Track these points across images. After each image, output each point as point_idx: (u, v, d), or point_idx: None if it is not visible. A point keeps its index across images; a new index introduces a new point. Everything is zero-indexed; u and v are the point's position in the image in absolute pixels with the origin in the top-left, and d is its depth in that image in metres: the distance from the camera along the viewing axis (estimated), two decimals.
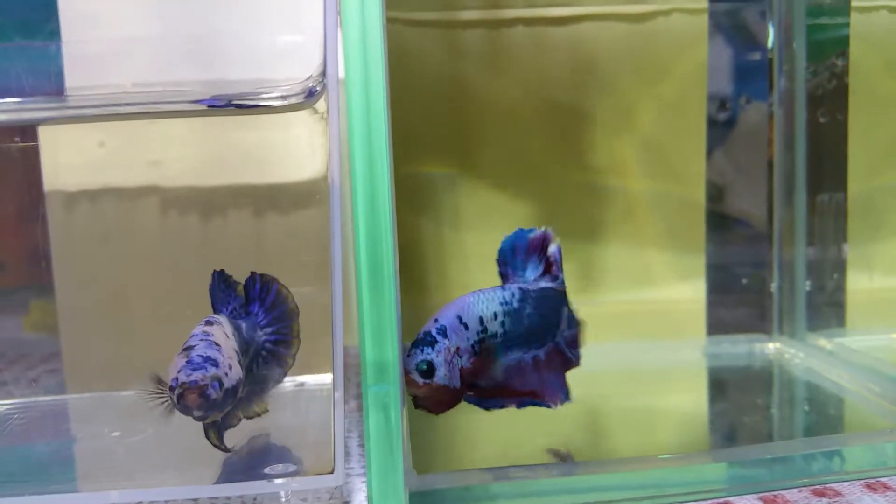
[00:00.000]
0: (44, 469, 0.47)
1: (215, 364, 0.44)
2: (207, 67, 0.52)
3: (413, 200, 0.66)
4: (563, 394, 0.46)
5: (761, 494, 0.45)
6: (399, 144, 0.45)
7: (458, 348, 0.43)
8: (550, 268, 0.47)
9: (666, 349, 0.69)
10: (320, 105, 0.49)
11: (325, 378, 0.55)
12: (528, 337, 0.45)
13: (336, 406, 0.44)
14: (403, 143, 0.64)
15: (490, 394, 0.45)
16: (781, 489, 0.45)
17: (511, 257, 0.46)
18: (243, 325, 0.49)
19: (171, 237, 0.56)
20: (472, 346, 0.43)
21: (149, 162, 0.55)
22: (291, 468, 0.45)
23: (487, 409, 0.46)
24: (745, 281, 0.70)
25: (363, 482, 0.48)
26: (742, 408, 0.58)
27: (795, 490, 0.45)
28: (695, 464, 0.47)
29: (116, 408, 0.54)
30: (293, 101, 0.48)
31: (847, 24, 0.67)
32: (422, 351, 0.43)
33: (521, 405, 0.46)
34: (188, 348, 0.44)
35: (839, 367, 0.62)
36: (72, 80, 0.52)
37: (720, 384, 0.65)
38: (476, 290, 0.46)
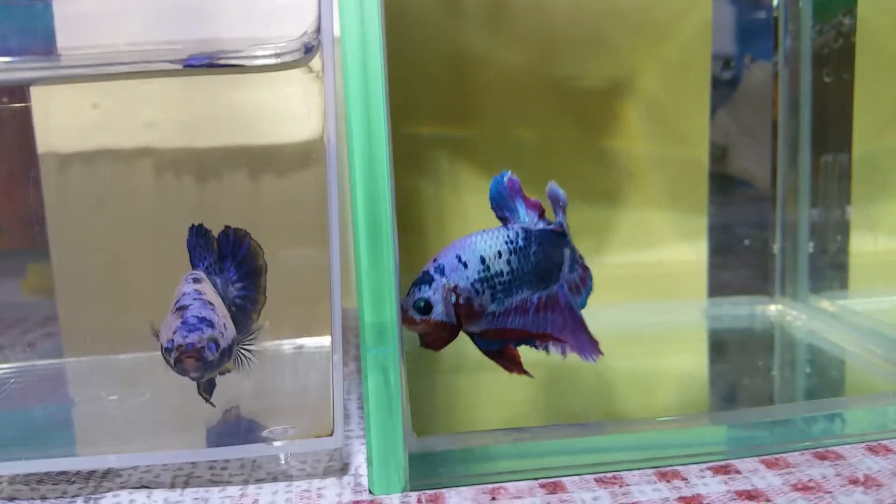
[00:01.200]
0: (42, 433, 0.47)
1: (211, 325, 0.43)
2: (203, 25, 0.51)
3: (412, 162, 0.65)
4: (593, 350, 0.46)
5: (762, 457, 0.44)
6: (397, 104, 0.44)
7: (455, 286, 0.43)
8: (544, 211, 0.46)
9: (667, 311, 0.69)
10: (315, 63, 0.48)
11: (324, 341, 0.55)
12: (535, 276, 0.45)
13: (335, 368, 0.44)
14: (402, 104, 0.63)
15: (492, 334, 0.45)
16: (783, 452, 0.45)
17: (502, 201, 0.45)
18: (217, 282, 0.48)
19: (167, 199, 0.55)
20: (472, 284, 0.43)
21: (144, 123, 0.54)
22: (290, 431, 0.45)
23: (489, 350, 0.45)
24: (747, 242, 0.70)
25: (363, 444, 0.48)
26: (743, 370, 0.58)
27: (797, 453, 0.45)
28: (696, 426, 0.47)
29: (114, 371, 0.54)
30: (287, 59, 0.47)
31: None
32: (419, 289, 0.43)
33: (518, 344, 0.46)
34: (182, 308, 0.44)
35: (841, 329, 0.62)
36: (63, 39, 0.51)
37: (721, 346, 0.65)
38: (480, 231, 0.45)
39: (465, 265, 0.43)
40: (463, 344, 0.63)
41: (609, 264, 0.68)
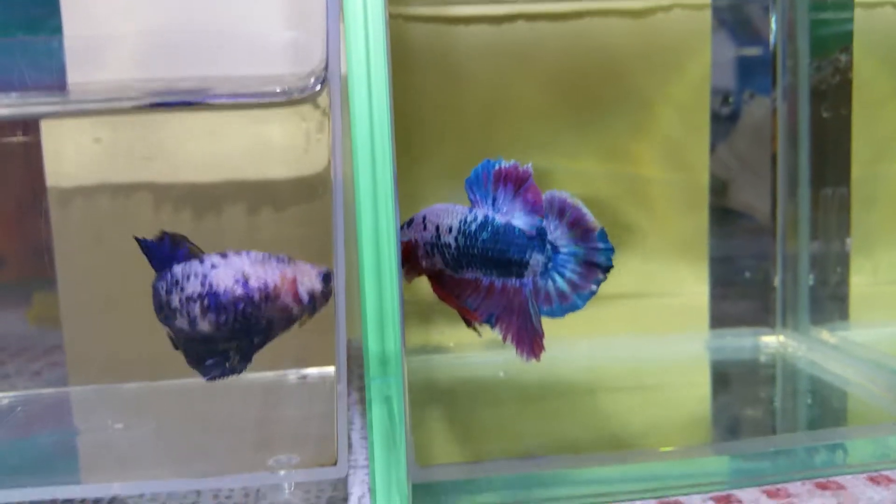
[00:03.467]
0: (47, 461, 0.47)
1: None
2: (212, 62, 0.52)
3: (416, 194, 0.66)
4: (530, 350, 0.46)
5: (764, 487, 0.44)
6: (402, 138, 0.45)
7: (414, 240, 0.48)
8: (535, 209, 0.47)
9: (669, 343, 0.69)
10: (323, 100, 0.49)
11: (328, 370, 0.56)
12: (483, 262, 0.46)
13: (339, 398, 0.44)
14: (407, 137, 0.64)
15: (439, 292, 0.49)
16: (784, 482, 0.45)
17: (476, 185, 0.47)
18: None
19: (174, 230, 0.56)
20: (424, 245, 0.48)
21: (145, 157, 0.55)
22: (294, 460, 0.45)
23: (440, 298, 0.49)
24: (748, 274, 0.70)
25: (366, 474, 0.48)
26: (745, 401, 0.58)
27: (798, 483, 0.45)
28: (698, 457, 0.47)
29: (119, 400, 0.54)
30: (297, 96, 0.48)
31: (851, 20, 0.67)
32: None
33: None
34: (284, 259, 0.46)
35: (842, 360, 0.62)
36: (74, 74, 0.53)
37: (724, 377, 0.65)
38: (455, 203, 0.48)
39: (425, 227, 0.48)
40: (465, 374, 0.63)
41: (610, 296, 0.69)
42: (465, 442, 0.52)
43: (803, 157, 0.68)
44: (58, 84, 0.53)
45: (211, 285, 0.44)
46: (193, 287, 0.45)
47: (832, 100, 0.68)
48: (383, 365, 0.41)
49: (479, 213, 0.47)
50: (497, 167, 0.46)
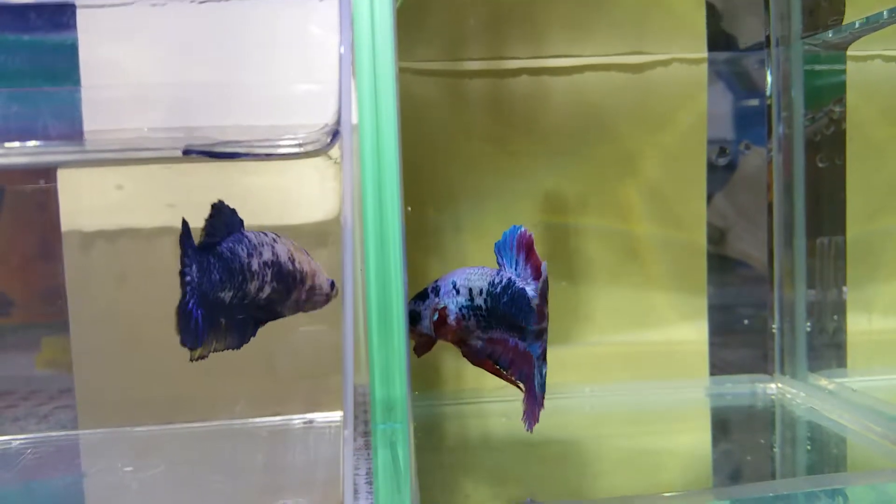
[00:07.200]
0: None
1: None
2: (228, 113, 0.54)
3: (421, 241, 0.67)
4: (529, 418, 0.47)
5: None
6: (409, 188, 0.46)
7: (444, 307, 0.48)
8: (537, 275, 0.48)
9: (669, 390, 0.69)
10: (335, 151, 0.50)
11: (334, 416, 0.56)
12: (503, 323, 0.47)
13: (346, 443, 0.45)
14: (414, 187, 0.65)
15: (473, 357, 0.49)
16: None
17: (502, 249, 0.48)
18: None
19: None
20: (459, 309, 0.48)
21: (166, 204, 0.56)
22: None
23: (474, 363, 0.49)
24: (746, 322, 0.71)
25: None
26: (744, 447, 0.59)
27: None
28: (698, 502, 0.47)
29: (129, 444, 0.55)
30: (310, 147, 0.49)
31: (843, 72, 0.68)
32: (414, 302, 0.49)
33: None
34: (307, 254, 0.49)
35: (840, 407, 0.63)
36: (91, 124, 0.54)
37: (723, 424, 0.66)
38: (480, 266, 0.49)
39: (458, 292, 0.48)
40: (470, 420, 0.64)
41: (610, 344, 0.69)
42: (471, 487, 0.52)
43: (799, 207, 0.69)
44: (75, 133, 0.54)
45: (278, 256, 0.47)
46: (268, 255, 0.47)
47: (827, 150, 0.69)
48: (389, 411, 0.42)
49: (505, 276, 0.47)
50: (518, 233, 0.47)
